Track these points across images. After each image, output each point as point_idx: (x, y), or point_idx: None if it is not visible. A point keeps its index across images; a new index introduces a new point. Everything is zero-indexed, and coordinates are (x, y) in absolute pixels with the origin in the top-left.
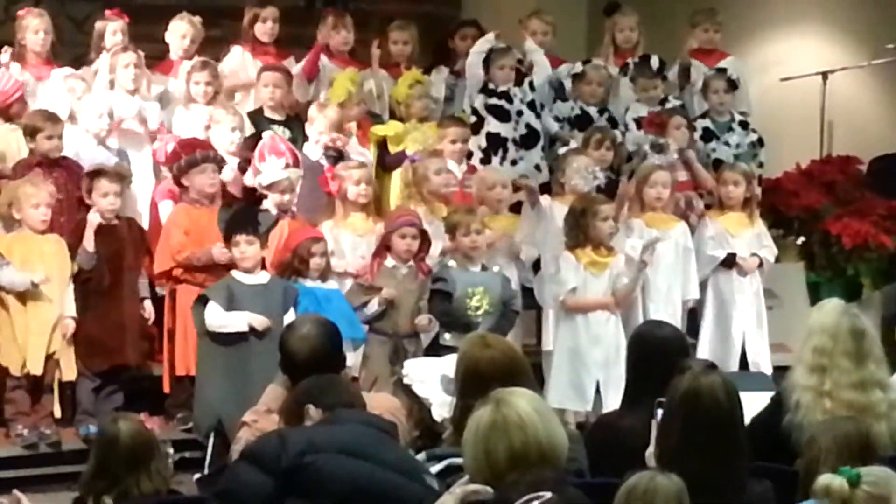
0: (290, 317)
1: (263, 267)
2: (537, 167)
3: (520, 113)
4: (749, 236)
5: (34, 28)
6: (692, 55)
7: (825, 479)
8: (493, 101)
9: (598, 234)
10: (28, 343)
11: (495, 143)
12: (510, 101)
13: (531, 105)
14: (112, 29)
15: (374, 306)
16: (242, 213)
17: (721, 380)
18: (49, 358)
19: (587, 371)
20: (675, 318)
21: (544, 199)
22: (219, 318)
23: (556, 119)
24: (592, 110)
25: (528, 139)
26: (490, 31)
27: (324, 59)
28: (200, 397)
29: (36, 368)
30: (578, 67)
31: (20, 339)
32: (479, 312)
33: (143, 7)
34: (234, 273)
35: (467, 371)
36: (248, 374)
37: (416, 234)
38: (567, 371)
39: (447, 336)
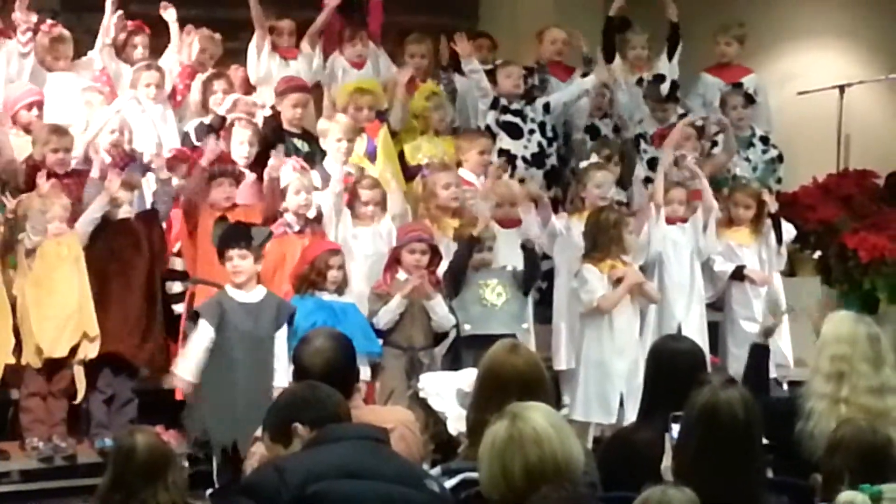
0: (282, 333)
1: (260, 281)
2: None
3: (531, 132)
4: (756, 248)
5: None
6: (711, 72)
7: (848, 496)
8: (507, 117)
9: (626, 245)
10: (44, 332)
11: (505, 161)
12: (524, 119)
13: (542, 126)
14: (135, 42)
15: (392, 306)
16: (235, 227)
17: (739, 394)
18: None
19: (612, 384)
20: (696, 309)
21: (561, 219)
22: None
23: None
24: (599, 121)
25: (537, 158)
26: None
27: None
28: (189, 406)
29: (55, 352)
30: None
31: (35, 329)
32: (500, 301)
33: (163, 19)
34: (228, 289)
35: (488, 373)
36: (235, 388)
37: (426, 250)
38: (593, 384)
39: (467, 326)
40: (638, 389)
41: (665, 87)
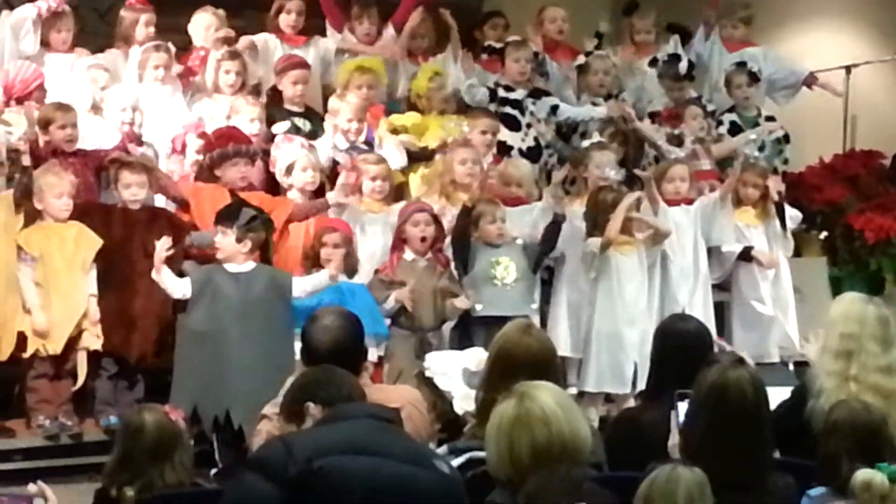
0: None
1: (262, 259)
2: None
3: (529, 125)
4: (764, 229)
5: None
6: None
7: (865, 474)
8: (506, 109)
9: (631, 225)
10: (51, 327)
11: (501, 152)
12: (522, 112)
13: (543, 120)
14: (144, 21)
15: (390, 302)
16: (228, 206)
17: (748, 374)
18: (73, 341)
19: (625, 353)
20: (700, 293)
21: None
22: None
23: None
24: (601, 102)
25: (533, 152)
26: (514, 24)
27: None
28: (177, 383)
29: (55, 348)
30: (582, 59)
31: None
32: (509, 280)
33: None
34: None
35: (501, 353)
36: (226, 362)
37: (429, 220)
38: (606, 354)
39: (478, 307)
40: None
41: (683, 66)
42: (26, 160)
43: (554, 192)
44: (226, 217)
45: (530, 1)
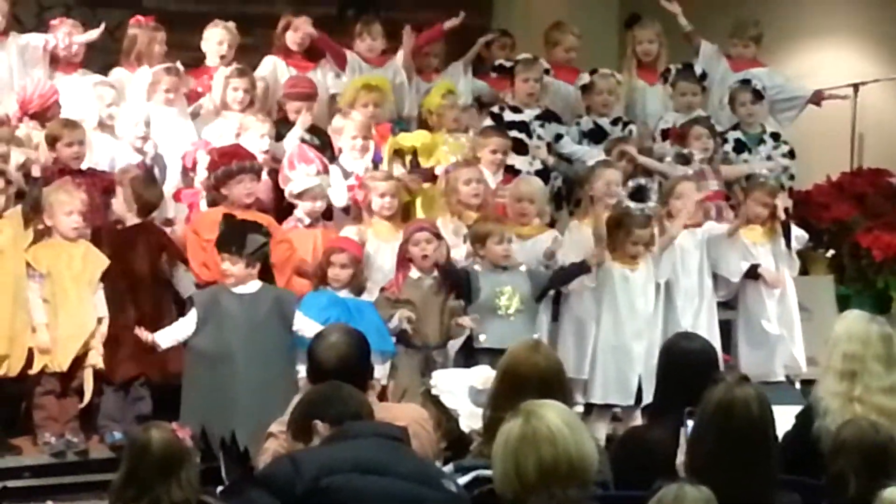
0: (300, 318)
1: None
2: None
3: (538, 147)
4: (771, 247)
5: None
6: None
7: (892, 494)
8: (513, 133)
9: (626, 251)
10: (58, 344)
11: (508, 174)
12: (529, 135)
13: (548, 146)
14: (159, 40)
15: (394, 321)
16: (232, 230)
17: (755, 392)
18: (80, 358)
19: (630, 366)
20: (705, 313)
21: (571, 224)
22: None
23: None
24: (605, 122)
25: (541, 175)
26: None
27: (357, 60)
28: (185, 404)
29: (61, 366)
30: (585, 78)
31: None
32: (511, 311)
33: (176, 14)
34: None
35: (508, 369)
36: (233, 384)
37: (430, 238)
38: (612, 367)
39: (482, 338)
40: (653, 373)
41: (698, 70)
42: (36, 171)
43: (599, 236)
44: (232, 244)
45: (536, 19)
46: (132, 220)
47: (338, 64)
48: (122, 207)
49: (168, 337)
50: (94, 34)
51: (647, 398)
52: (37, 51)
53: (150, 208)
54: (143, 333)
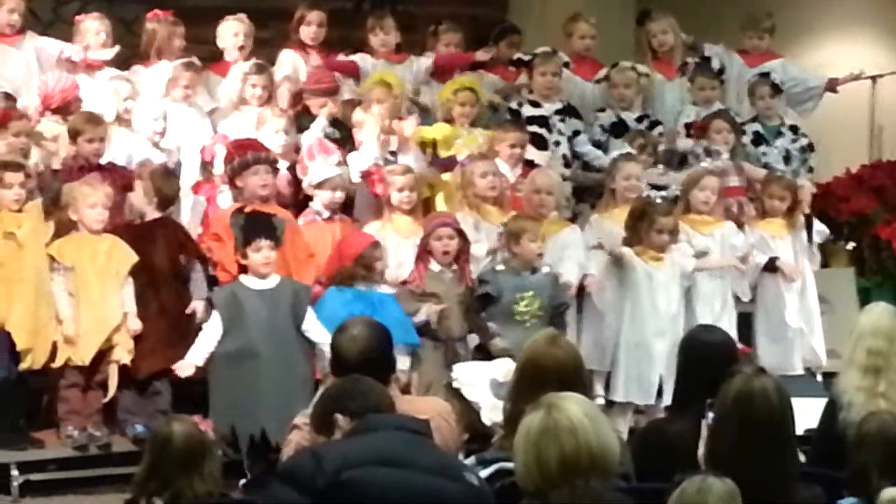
0: (311, 318)
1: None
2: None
3: (557, 143)
4: (791, 240)
5: (95, 30)
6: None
7: (891, 493)
8: (533, 128)
9: (651, 242)
10: (80, 338)
11: (527, 168)
12: (549, 130)
13: (569, 138)
14: (178, 34)
15: (422, 315)
16: (259, 218)
17: (773, 382)
18: (104, 353)
19: (651, 365)
20: (725, 316)
21: (592, 218)
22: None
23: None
24: (630, 117)
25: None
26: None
27: (369, 62)
28: (213, 405)
29: (83, 360)
30: (603, 73)
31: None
32: (528, 317)
33: (193, 9)
34: (242, 277)
35: (528, 363)
36: (259, 381)
37: (453, 234)
38: (634, 365)
39: (498, 340)
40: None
41: (716, 65)
42: (56, 163)
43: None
44: (263, 230)
45: (553, 13)
46: (152, 213)
47: (351, 77)
48: (143, 201)
49: (200, 352)
50: (109, 53)
51: (667, 398)
52: (51, 57)
53: (168, 202)
54: (178, 369)
